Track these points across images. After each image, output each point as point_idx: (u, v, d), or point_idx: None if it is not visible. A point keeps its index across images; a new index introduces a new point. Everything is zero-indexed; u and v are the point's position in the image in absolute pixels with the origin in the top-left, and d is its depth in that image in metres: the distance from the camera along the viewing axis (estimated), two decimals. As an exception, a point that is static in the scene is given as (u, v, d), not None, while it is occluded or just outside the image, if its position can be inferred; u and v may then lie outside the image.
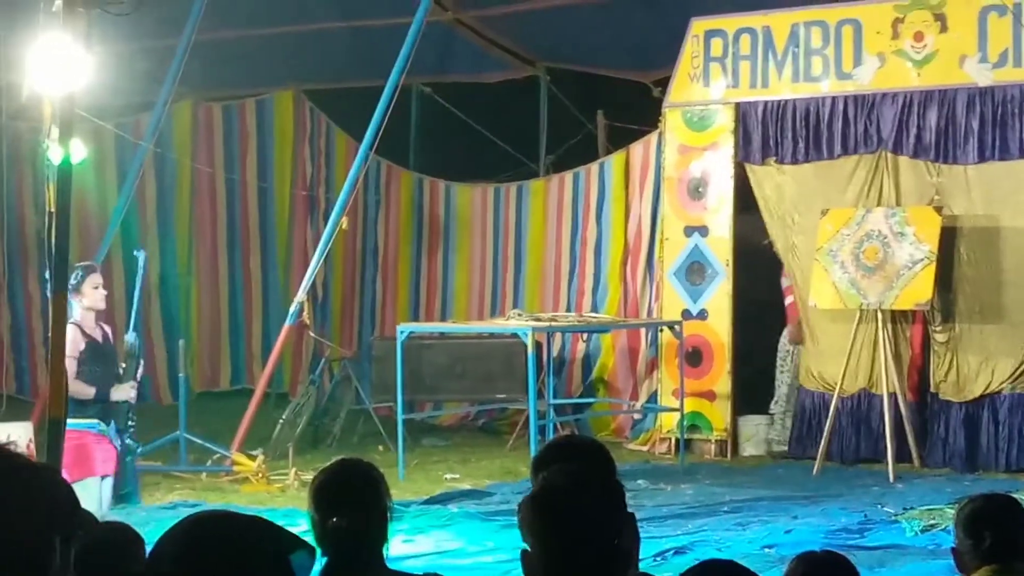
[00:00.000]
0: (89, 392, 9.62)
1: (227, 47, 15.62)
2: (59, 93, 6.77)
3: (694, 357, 13.41)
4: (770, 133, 13.21)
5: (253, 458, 12.19)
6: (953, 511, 5.24)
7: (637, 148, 14.62)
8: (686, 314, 13.42)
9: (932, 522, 9.77)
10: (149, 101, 14.91)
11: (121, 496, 10.10)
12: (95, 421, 9.85)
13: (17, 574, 2.30)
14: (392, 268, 16.97)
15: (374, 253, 17.08)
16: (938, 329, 12.49)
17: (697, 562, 3.13)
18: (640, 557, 3.28)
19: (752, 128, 13.31)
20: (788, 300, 13.47)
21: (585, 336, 14.82)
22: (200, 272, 17.54)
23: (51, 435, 6.65)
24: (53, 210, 6.57)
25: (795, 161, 13.13)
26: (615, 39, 15.42)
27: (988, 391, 12.26)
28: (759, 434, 13.47)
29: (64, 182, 6.59)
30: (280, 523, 2.35)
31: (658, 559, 8.86)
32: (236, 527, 2.28)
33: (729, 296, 13.40)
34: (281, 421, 13.19)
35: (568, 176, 15.52)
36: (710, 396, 13.42)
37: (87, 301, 10.04)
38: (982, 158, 12.29)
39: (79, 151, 6.97)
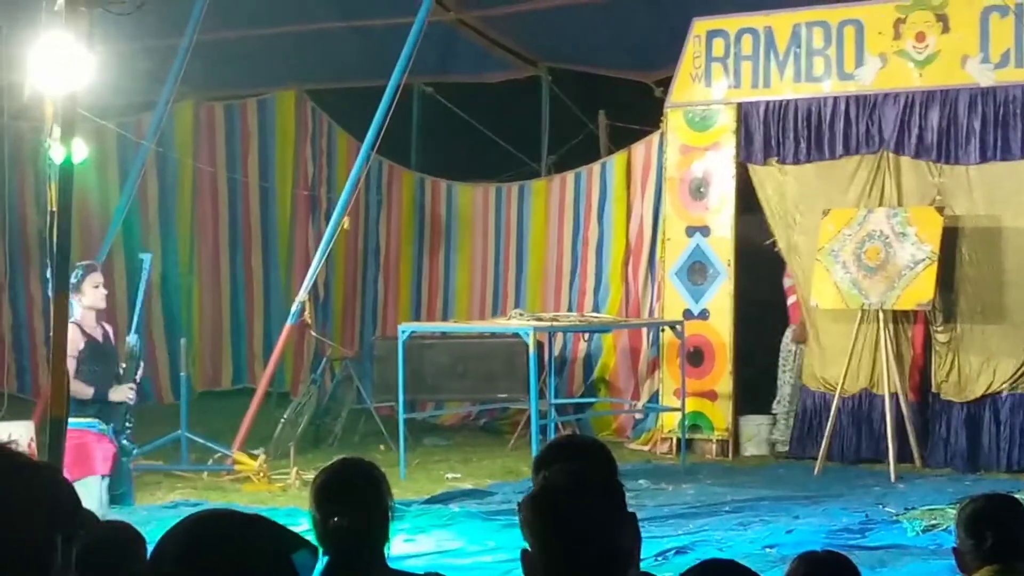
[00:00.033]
0: (88, 392, 9.62)
1: (229, 47, 15.62)
2: (61, 92, 6.77)
3: (695, 357, 13.41)
4: (772, 133, 13.21)
5: (254, 457, 12.19)
6: (954, 511, 5.24)
7: (639, 148, 14.63)
8: (687, 314, 13.43)
9: (933, 522, 9.76)
10: (151, 101, 14.91)
11: (115, 497, 10.10)
12: (95, 420, 9.85)
13: (19, 573, 2.30)
14: (394, 268, 16.97)
15: (376, 253, 17.08)
16: (940, 329, 12.49)
17: (698, 562, 3.13)
18: (641, 557, 3.28)
19: (754, 128, 13.31)
20: (791, 300, 13.48)
21: (586, 336, 14.82)
22: (202, 271, 17.55)
23: (52, 434, 6.65)
24: (55, 209, 6.57)
25: (797, 161, 13.13)
26: (617, 39, 15.42)
27: (989, 391, 12.26)
28: (760, 434, 13.48)
29: (66, 181, 6.59)
30: (281, 522, 2.35)
31: (659, 559, 8.86)
32: (238, 526, 2.28)
33: (730, 296, 13.40)
34: (282, 420, 13.20)
35: (570, 176, 15.52)
36: (711, 396, 13.42)
37: (87, 300, 10.03)
38: (984, 158, 12.29)
39: (81, 150, 6.98)
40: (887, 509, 10.47)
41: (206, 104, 17.43)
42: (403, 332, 12.67)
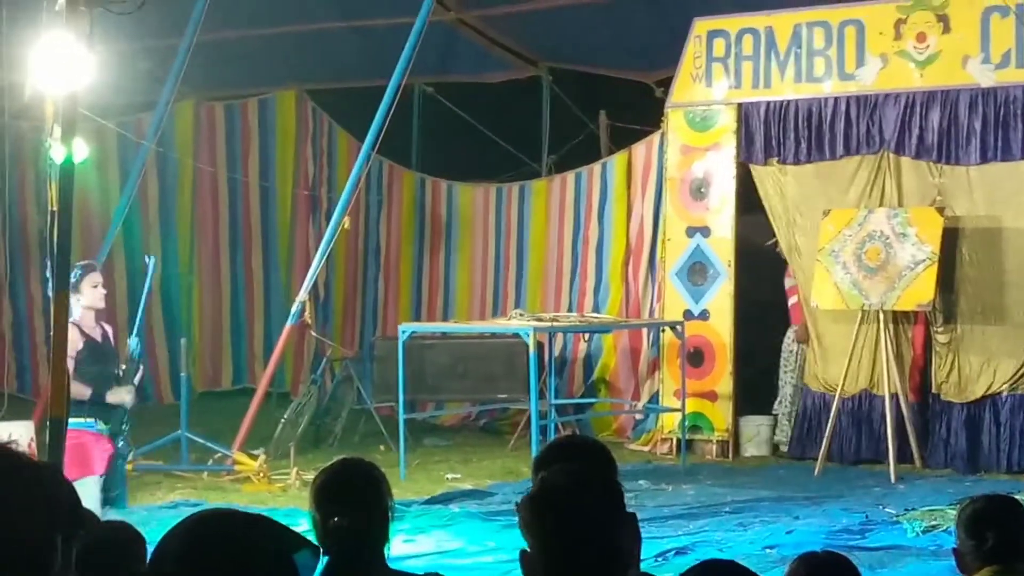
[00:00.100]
0: (86, 393, 9.60)
1: (229, 47, 15.62)
2: (61, 92, 6.77)
3: (696, 357, 13.41)
4: (772, 134, 13.21)
5: (255, 457, 12.19)
6: (954, 512, 5.24)
7: (639, 148, 14.63)
8: (688, 314, 13.43)
9: (933, 523, 9.76)
10: (151, 100, 14.90)
11: (108, 499, 10.08)
12: (92, 420, 9.84)
13: (19, 573, 2.30)
14: (394, 268, 16.97)
15: (376, 253, 17.08)
16: (940, 330, 12.49)
17: (698, 562, 3.12)
18: (641, 557, 3.28)
19: (754, 128, 13.31)
20: (792, 300, 13.48)
21: (587, 336, 14.82)
22: (202, 271, 17.55)
23: (52, 434, 6.65)
24: (55, 209, 6.57)
25: (797, 162, 13.13)
26: (617, 39, 15.42)
27: (990, 392, 12.26)
28: (761, 434, 13.48)
29: (66, 181, 6.59)
30: (282, 523, 2.34)
31: (659, 559, 8.86)
32: (240, 525, 2.28)
33: (731, 296, 13.40)
34: (283, 421, 13.20)
35: (570, 176, 15.52)
36: (711, 396, 13.42)
37: (85, 300, 10.01)
38: (984, 159, 12.29)
39: (81, 150, 6.98)
40: (887, 510, 10.47)
41: (206, 104, 17.43)
42: (403, 332, 12.67)
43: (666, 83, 14.20)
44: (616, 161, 14.95)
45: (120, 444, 10.10)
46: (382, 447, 13.52)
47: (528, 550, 3.06)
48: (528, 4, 15.69)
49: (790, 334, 13.53)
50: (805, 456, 12.83)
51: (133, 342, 10.86)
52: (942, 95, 12.45)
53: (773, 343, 13.62)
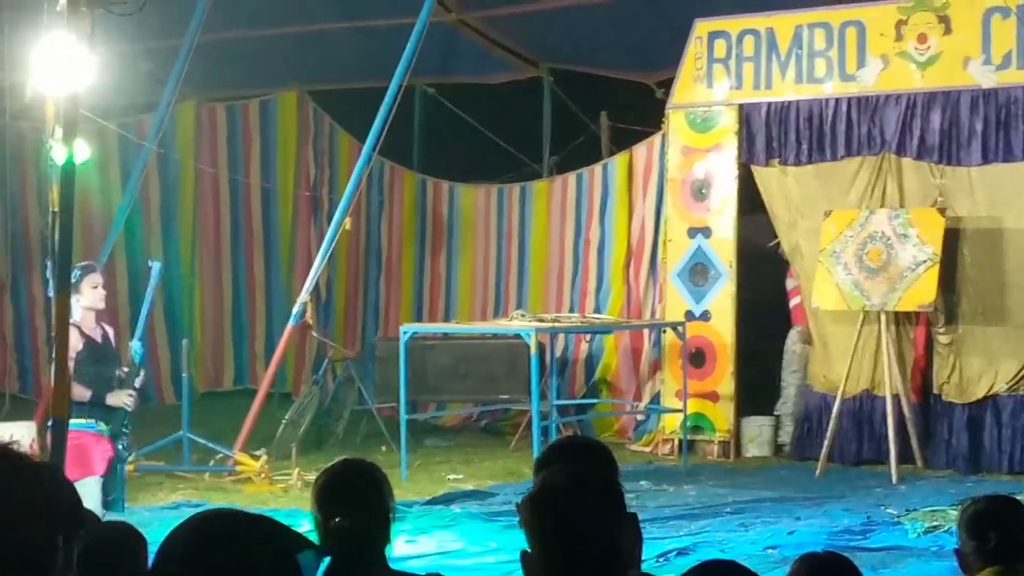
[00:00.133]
0: (85, 394, 9.58)
1: (230, 48, 15.63)
2: (63, 93, 6.77)
3: (697, 358, 13.41)
4: (773, 134, 13.21)
5: (256, 458, 12.20)
6: (956, 512, 5.25)
7: (640, 149, 14.63)
8: (689, 315, 13.43)
9: (935, 523, 9.76)
10: (153, 101, 14.91)
11: (106, 502, 10.07)
12: (93, 421, 9.83)
13: (20, 573, 2.30)
14: (395, 269, 16.97)
15: (377, 254, 17.08)
16: (941, 331, 12.49)
17: (698, 563, 3.12)
18: (643, 558, 3.28)
19: (755, 129, 13.31)
20: (794, 301, 13.48)
21: (588, 337, 14.82)
22: (204, 272, 17.56)
23: (54, 435, 6.65)
24: (56, 210, 6.57)
25: (798, 162, 13.12)
26: (618, 40, 15.42)
27: (991, 393, 12.26)
28: (762, 435, 13.47)
29: (67, 182, 6.59)
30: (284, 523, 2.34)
31: (661, 560, 8.86)
32: (243, 526, 2.28)
33: (732, 297, 13.40)
34: (284, 421, 13.21)
35: (571, 177, 15.52)
36: (713, 397, 13.42)
37: (85, 301, 9.99)
38: (985, 160, 12.28)
39: (83, 151, 6.98)
40: (888, 510, 10.47)
41: (208, 105, 17.43)
42: (405, 333, 12.66)
43: (667, 84, 14.20)
44: (617, 162, 14.95)
45: (120, 447, 10.09)
46: (384, 448, 13.52)
47: (529, 551, 3.06)
48: (529, 5, 15.68)
49: (793, 335, 13.53)
50: (807, 456, 12.83)
51: (135, 346, 10.85)
52: (943, 96, 12.45)
53: (774, 344, 13.62)
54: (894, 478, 11.75)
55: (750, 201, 13.44)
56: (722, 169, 13.45)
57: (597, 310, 14.72)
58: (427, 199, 16.76)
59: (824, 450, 12.24)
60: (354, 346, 16.59)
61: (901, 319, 12.58)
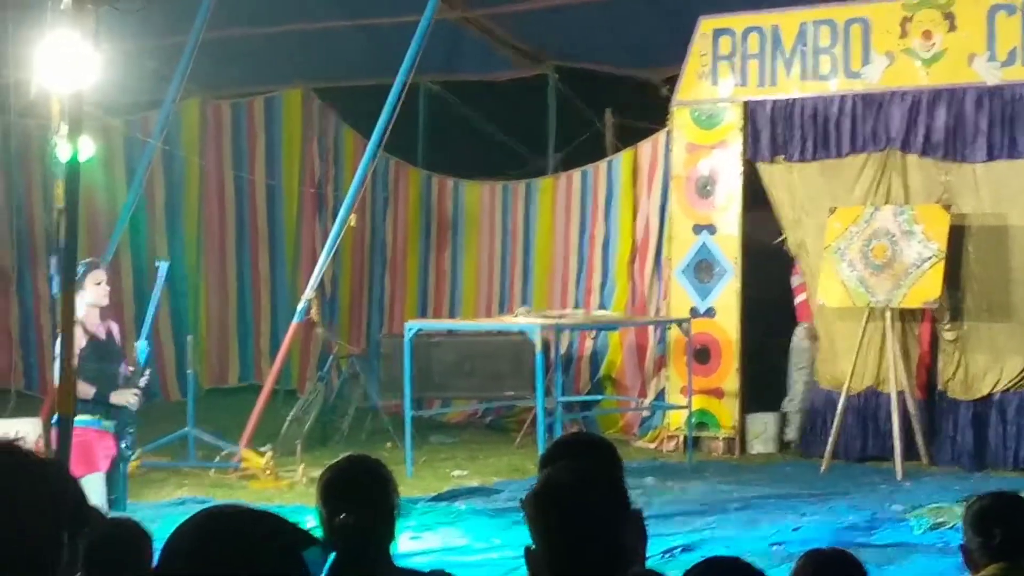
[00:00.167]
0: (89, 392, 9.61)
1: (236, 45, 15.63)
2: (68, 90, 6.78)
3: (702, 355, 13.41)
4: (778, 131, 13.20)
5: (261, 454, 12.21)
6: (961, 509, 5.24)
7: (645, 146, 14.62)
8: (694, 312, 13.43)
9: (940, 520, 9.76)
10: (157, 99, 14.91)
11: (108, 501, 10.09)
12: (97, 418, 9.85)
13: (25, 570, 2.30)
14: (400, 265, 16.97)
15: (382, 250, 17.09)
16: (946, 327, 12.48)
17: (703, 559, 3.12)
18: (648, 554, 3.28)
19: (760, 126, 13.30)
20: (800, 298, 13.48)
21: (593, 333, 14.82)
22: (209, 269, 17.57)
23: (59, 431, 6.66)
24: (61, 207, 6.58)
25: (803, 159, 13.12)
26: (623, 37, 15.41)
27: (996, 389, 12.26)
28: (767, 431, 13.47)
29: (72, 179, 6.60)
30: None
31: (666, 556, 8.86)
32: (250, 522, 2.28)
33: (737, 294, 13.40)
34: (289, 418, 13.21)
35: (576, 174, 15.52)
36: (718, 394, 13.42)
37: (89, 297, 10.01)
38: (991, 157, 12.27)
39: (87, 148, 6.98)
40: (894, 507, 10.47)
41: (213, 102, 17.44)
42: (410, 330, 12.67)
43: (672, 81, 14.20)
44: (622, 159, 14.94)
45: (123, 446, 10.10)
46: (389, 444, 13.52)
47: (532, 547, 3.06)
48: (534, 2, 15.68)
49: (799, 331, 13.52)
50: (812, 453, 12.82)
51: (141, 346, 10.86)
52: (948, 93, 12.44)
53: (780, 340, 13.61)
54: (899, 475, 11.75)
55: (755, 198, 13.43)
56: (727, 166, 13.45)
57: (602, 307, 14.72)
58: (432, 196, 16.76)
59: (829, 447, 12.24)
60: (359, 343, 16.60)
61: (906, 316, 12.57)
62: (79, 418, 8.92)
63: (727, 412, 13.40)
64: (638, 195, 14.67)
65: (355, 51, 16.26)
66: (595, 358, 14.94)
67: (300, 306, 13.14)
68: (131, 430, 10.39)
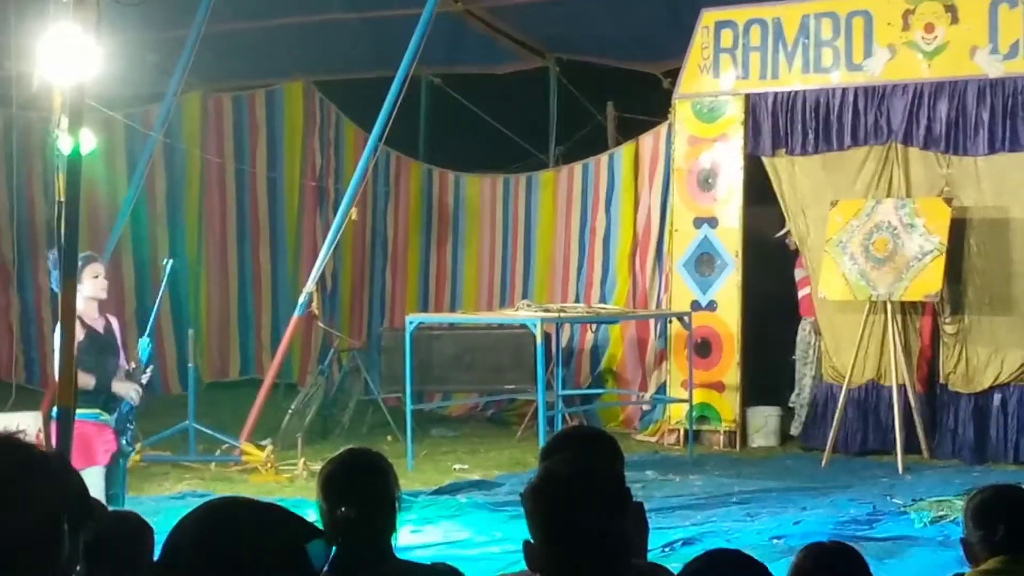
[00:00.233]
0: (90, 382, 9.59)
1: (237, 38, 15.62)
2: (69, 83, 6.77)
3: (703, 348, 13.41)
4: (780, 124, 13.19)
5: (262, 448, 12.21)
6: (962, 502, 5.23)
7: (647, 139, 14.62)
8: (695, 305, 13.42)
9: (941, 513, 9.77)
10: (159, 92, 14.92)
11: (107, 496, 10.08)
12: (97, 411, 9.84)
13: (27, 563, 2.30)
14: (401, 259, 16.98)
15: (383, 244, 17.09)
16: (947, 320, 12.48)
17: (703, 552, 3.12)
18: (648, 548, 3.28)
19: (762, 119, 13.29)
20: (803, 292, 13.47)
21: (594, 327, 14.82)
22: (209, 262, 17.57)
23: (59, 424, 6.66)
24: (62, 200, 6.57)
25: (805, 152, 13.11)
26: (625, 30, 15.40)
27: (997, 382, 12.26)
28: (768, 425, 13.47)
29: (73, 172, 6.58)
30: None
31: (666, 550, 8.86)
32: (252, 514, 2.28)
33: (738, 287, 13.39)
34: (290, 411, 13.21)
35: (577, 167, 15.52)
36: (719, 387, 13.42)
37: (87, 290, 10.00)
38: (992, 149, 12.27)
39: (89, 141, 6.95)
40: (894, 500, 10.47)
41: (214, 95, 17.44)
42: (411, 323, 12.66)
43: (674, 74, 14.19)
44: (623, 152, 14.94)
45: (123, 442, 10.10)
46: (389, 438, 13.53)
47: (531, 541, 3.06)
48: (535, -5, 15.67)
49: (805, 325, 13.52)
50: (813, 447, 12.83)
51: (143, 343, 10.85)
52: (950, 86, 12.44)
53: (781, 334, 13.61)
54: (900, 468, 11.75)
55: (757, 191, 13.42)
56: (728, 159, 13.44)
57: (603, 300, 14.73)
58: (433, 189, 16.76)
59: (830, 440, 12.24)
60: (360, 336, 16.60)
61: (907, 309, 12.57)
62: (79, 411, 8.92)
63: (728, 405, 13.41)
64: (639, 188, 14.67)
65: (356, 44, 16.25)
66: (596, 351, 14.94)
67: (301, 299, 13.15)
68: (132, 426, 10.38)
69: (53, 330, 8.62)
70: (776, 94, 13.21)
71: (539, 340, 11.87)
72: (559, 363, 13.90)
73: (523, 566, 3.20)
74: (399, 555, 4.31)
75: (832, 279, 12.42)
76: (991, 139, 12.26)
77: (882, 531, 9.49)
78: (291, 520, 2.28)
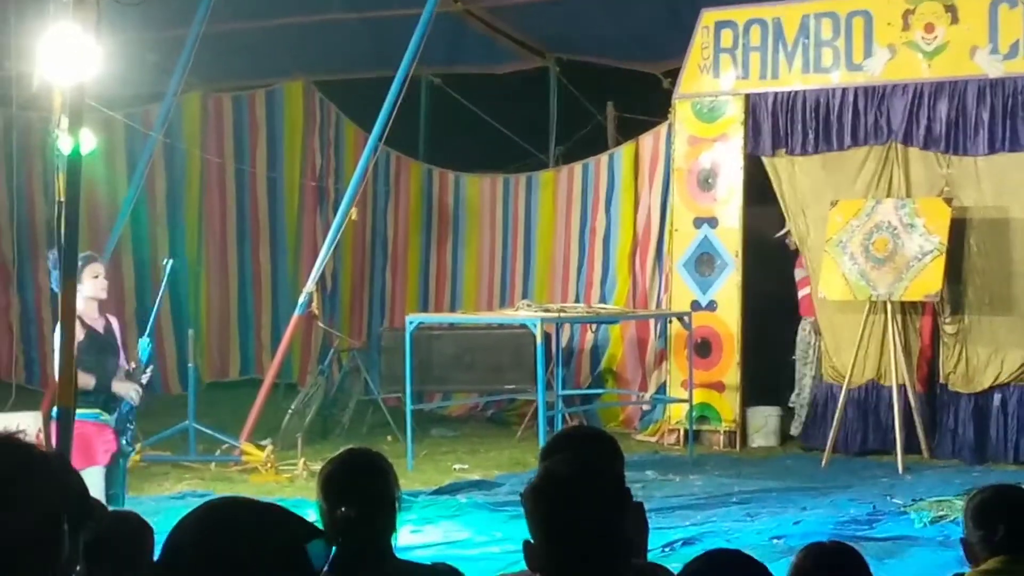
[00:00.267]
0: (90, 382, 9.60)
1: (237, 37, 15.62)
2: (69, 83, 6.77)
3: (703, 348, 13.41)
4: (780, 124, 13.19)
5: (262, 448, 12.21)
6: (962, 502, 5.23)
7: (647, 139, 14.62)
8: (695, 305, 13.42)
9: (941, 513, 9.76)
10: (159, 91, 14.92)
11: (107, 497, 10.07)
12: (97, 411, 9.84)
13: (27, 563, 2.30)
14: (401, 259, 16.98)
15: (383, 244, 17.09)
16: (947, 320, 12.48)
17: (703, 552, 3.12)
18: (648, 548, 3.28)
19: (762, 119, 13.29)
20: (803, 292, 13.47)
21: (594, 327, 14.82)
22: (209, 262, 17.57)
23: (59, 424, 6.66)
24: (62, 200, 6.57)
25: (805, 152, 13.11)
26: (625, 30, 15.40)
27: (997, 382, 12.26)
28: (768, 425, 13.47)
29: (73, 172, 6.58)
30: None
31: (666, 550, 8.86)
32: (252, 514, 2.27)
33: (738, 287, 13.39)
34: (290, 411, 13.21)
35: (577, 167, 15.52)
36: (719, 387, 13.42)
37: (87, 290, 10.00)
38: (992, 149, 12.28)
39: (89, 141, 6.95)
40: (894, 500, 10.47)
41: (214, 95, 17.44)
42: (411, 323, 12.66)
43: (674, 74, 14.19)
44: (623, 152, 14.94)
45: (123, 442, 10.09)
46: (389, 438, 13.53)
47: (531, 541, 3.06)
48: (535, -5, 15.68)
49: (805, 325, 13.52)
50: (813, 447, 12.83)
51: (143, 343, 10.84)
52: (950, 86, 12.44)
53: (781, 334, 13.61)
54: (900, 468, 11.75)
55: (757, 191, 13.42)
56: (728, 159, 13.44)
57: (603, 300, 14.73)
58: (433, 189, 16.76)
59: (830, 440, 12.24)
60: (360, 336, 16.60)
61: (907, 309, 12.57)
62: (79, 411, 8.91)
63: (728, 405, 13.41)
64: (639, 188, 14.67)
65: (356, 44, 16.25)
66: (596, 351, 14.94)
67: (301, 299, 13.15)
68: (132, 427, 10.38)
69: (53, 330, 8.62)
70: (776, 94, 13.21)
71: (539, 340, 11.87)
72: (559, 363, 13.90)
73: (523, 566, 3.20)
74: (399, 555, 4.31)
75: (832, 279, 12.42)
76: (991, 139, 12.26)
77: (882, 531, 9.49)
78: (291, 520, 2.28)
